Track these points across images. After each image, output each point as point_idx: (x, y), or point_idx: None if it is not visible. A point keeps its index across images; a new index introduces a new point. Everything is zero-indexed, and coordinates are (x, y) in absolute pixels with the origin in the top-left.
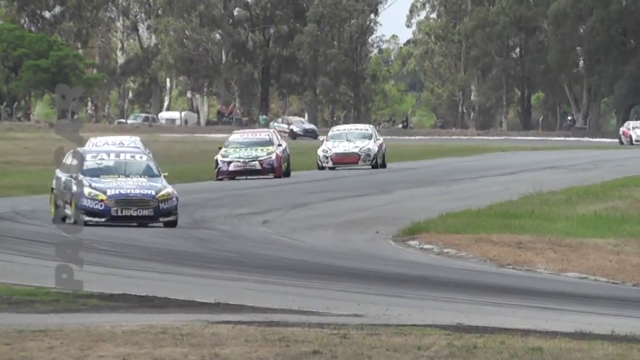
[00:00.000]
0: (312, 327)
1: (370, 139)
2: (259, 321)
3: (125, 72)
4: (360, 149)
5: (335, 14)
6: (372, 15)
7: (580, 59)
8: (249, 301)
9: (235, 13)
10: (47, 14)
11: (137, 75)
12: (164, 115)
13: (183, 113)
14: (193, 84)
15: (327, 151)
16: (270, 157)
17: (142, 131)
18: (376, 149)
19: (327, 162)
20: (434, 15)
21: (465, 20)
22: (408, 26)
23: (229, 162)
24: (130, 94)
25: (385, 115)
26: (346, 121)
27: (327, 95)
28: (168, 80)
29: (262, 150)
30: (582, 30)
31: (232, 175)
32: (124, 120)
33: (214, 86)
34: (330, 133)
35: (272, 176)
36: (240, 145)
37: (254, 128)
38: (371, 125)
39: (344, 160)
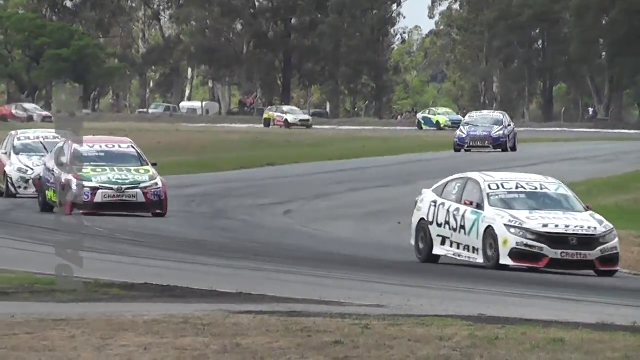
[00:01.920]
0: (334, 317)
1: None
2: (281, 311)
3: (147, 62)
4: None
5: (357, 4)
6: (394, 6)
7: (603, 50)
8: (270, 291)
9: (256, 3)
10: (68, 3)
11: (159, 65)
12: (185, 105)
13: (204, 103)
14: (214, 73)
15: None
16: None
17: (163, 121)
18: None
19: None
20: (456, 7)
21: (487, 12)
22: (430, 17)
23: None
24: (152, 84)
25: (407, 106)
26: (367, 112)
27: (348, 86)
28: (189, 69)
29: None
30: (604, 22)
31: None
32: (145, 110)
33: (235, 76)
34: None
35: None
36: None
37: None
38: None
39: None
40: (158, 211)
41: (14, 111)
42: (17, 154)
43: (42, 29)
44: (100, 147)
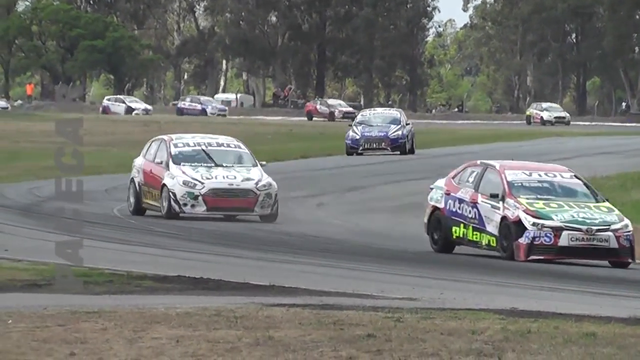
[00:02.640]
0: (367, 310)
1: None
2: (313, 304)
3: (181, 54)
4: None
5: None
6: None
7: (636, 44)
8: (303, 284)
9: None
10: None
11: (193, 57)
12: (220, 97)
13: (239, 95)
14: (249, 65)
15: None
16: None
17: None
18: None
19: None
20: (490, 0)
21: (521, 5)
22: (465, 10)
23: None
24: (186, 76)
25: (441, 99)
26: (402, 105)
27: (383, 79)
28: (224, 61)
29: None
30: (638, 16)
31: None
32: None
33: (269, 68)
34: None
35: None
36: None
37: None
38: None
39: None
40: (628, 260)
41: (318, 107)
42: (177, 164)
43: (76, 20)
44: (540, 175)
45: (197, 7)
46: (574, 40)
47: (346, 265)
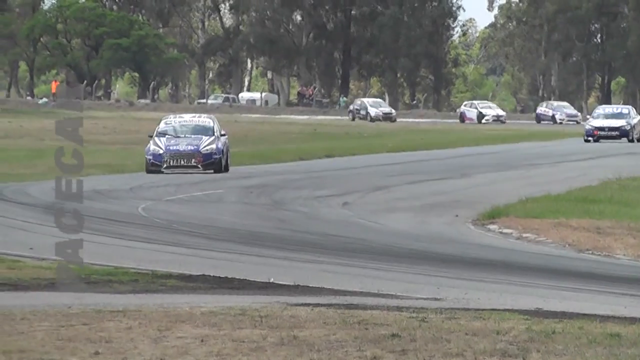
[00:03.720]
0: (391, 310)
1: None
2: (338, 304)
3: (206, 52)
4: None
5: None
6: None
7: None
8: (328, 284)
9: None
10: None
11: (218, 55)
12: (245, 95)
13: (263, 94)
14: (274, 64)
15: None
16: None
17: (223, 111)
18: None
19: None
20: (515, 0)
21: (547, 5)
22: (490, 9)
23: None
24: (211, 74)
25: (465, 98)
26: (426, 104)
27: (407, 78)
28: (249, 60)
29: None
30: None
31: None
32: (204, 101)
33: (294, 67)
34: None
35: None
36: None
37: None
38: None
39: None
40: None
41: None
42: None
43: (101, 19)
44: None
45: (222, 5)
46: (599, 39)
47: (371, 265)
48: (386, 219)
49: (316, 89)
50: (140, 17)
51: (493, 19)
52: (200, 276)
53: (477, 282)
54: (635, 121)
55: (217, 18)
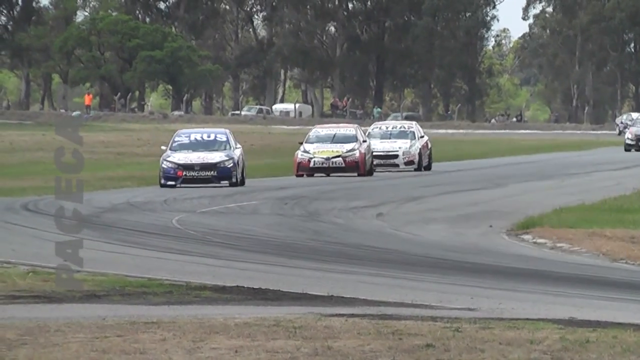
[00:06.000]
0: (425, 320)
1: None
2: (372, 314)
3: (240, 64)
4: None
5: (451, 6)
6: (487, 9)
7: None
8: (362, 294)
9: (350, 5)
10: (161, 5)
11: (252, 67)
12: (278, 107)
13: (297, 105)
14: (307, 76)
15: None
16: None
17: (256, 123)
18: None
19: None
20: (549, 9)
21: (581, 15)
22: (524, 19)
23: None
24: (245, 86)
25: (499, 109)
26: (460, 115)
27: (441, 89)
28: (282, 72)
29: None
30: None
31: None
32: (237, 112)
33: (328, 78)
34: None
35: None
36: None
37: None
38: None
39: None
40: None
41: None
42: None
43: (135, 31)
44: None
45: (256, 17)
46: (633, 49)
47: (405, 275)
48: (420, 230)
49: (350, 100)
50: (173, 30)
51: (527, 29)
52: (234, 287)
53: (511, 292)
54: None
55: (251, 30)
